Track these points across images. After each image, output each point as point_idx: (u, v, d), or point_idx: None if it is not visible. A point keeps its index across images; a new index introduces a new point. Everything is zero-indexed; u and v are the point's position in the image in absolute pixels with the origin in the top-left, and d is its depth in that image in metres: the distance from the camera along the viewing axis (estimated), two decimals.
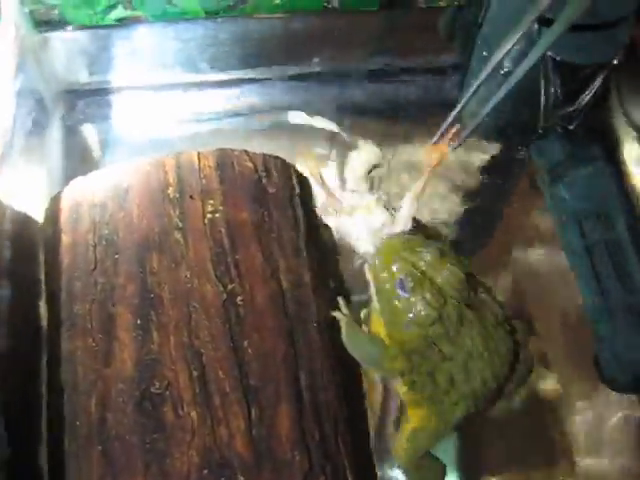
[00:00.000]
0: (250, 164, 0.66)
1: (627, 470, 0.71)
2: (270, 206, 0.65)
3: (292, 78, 0.81)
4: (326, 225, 0.74)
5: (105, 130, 0.80)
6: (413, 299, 0.59)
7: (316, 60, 0.80)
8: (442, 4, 0.81)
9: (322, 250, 0.70)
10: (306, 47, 0.80)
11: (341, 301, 0.66)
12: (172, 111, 0.81)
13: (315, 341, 0.61)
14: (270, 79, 0.81)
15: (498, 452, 0.71)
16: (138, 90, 0.81)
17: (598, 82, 0.68)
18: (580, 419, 0.72)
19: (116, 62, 0.78)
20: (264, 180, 0.66)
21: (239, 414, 0.56)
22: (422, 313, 0.59)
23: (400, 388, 0.64)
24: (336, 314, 0.64)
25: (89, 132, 0.80)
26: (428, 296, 0.59)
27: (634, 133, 0.88)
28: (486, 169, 0.83)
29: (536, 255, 0.81)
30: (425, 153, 0.78)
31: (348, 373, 0.64)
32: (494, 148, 0.84)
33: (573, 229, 0.79)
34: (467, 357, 0.60)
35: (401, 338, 0.61)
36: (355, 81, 0.83)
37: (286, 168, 0.68)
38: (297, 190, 0.68)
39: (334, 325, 0.64)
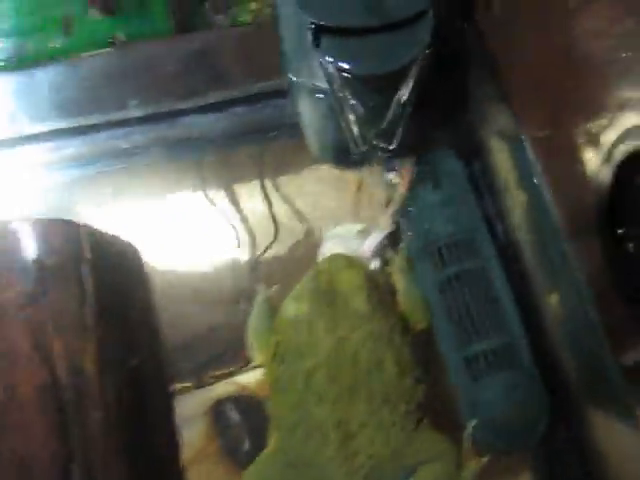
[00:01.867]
0: (26, 233, 0.58)
1: None
2: (47, 281, 0.57)
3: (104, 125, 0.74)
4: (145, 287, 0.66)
5: None
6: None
7: (133, 102, 0.73)
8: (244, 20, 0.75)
9: (128, 322, 0.62)
10: (109, 90, 0.72)
11: None
12: None
13: (96, 435, 0.53)
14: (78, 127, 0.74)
15: None
16: None
17: (405, 91, 0.58)
18: None
19: None
20: (42, 251, 0.58)
21: None
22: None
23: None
24: None
25: None
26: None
27: (504, 144, 0.79)
28: None
29: None
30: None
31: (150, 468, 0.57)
32: None
33: (427, 259, 0.69)
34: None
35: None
36: (178, 116, 0.75)
37: (74, 233, 0.61)
38: (89, 257, 0.60)
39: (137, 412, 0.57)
